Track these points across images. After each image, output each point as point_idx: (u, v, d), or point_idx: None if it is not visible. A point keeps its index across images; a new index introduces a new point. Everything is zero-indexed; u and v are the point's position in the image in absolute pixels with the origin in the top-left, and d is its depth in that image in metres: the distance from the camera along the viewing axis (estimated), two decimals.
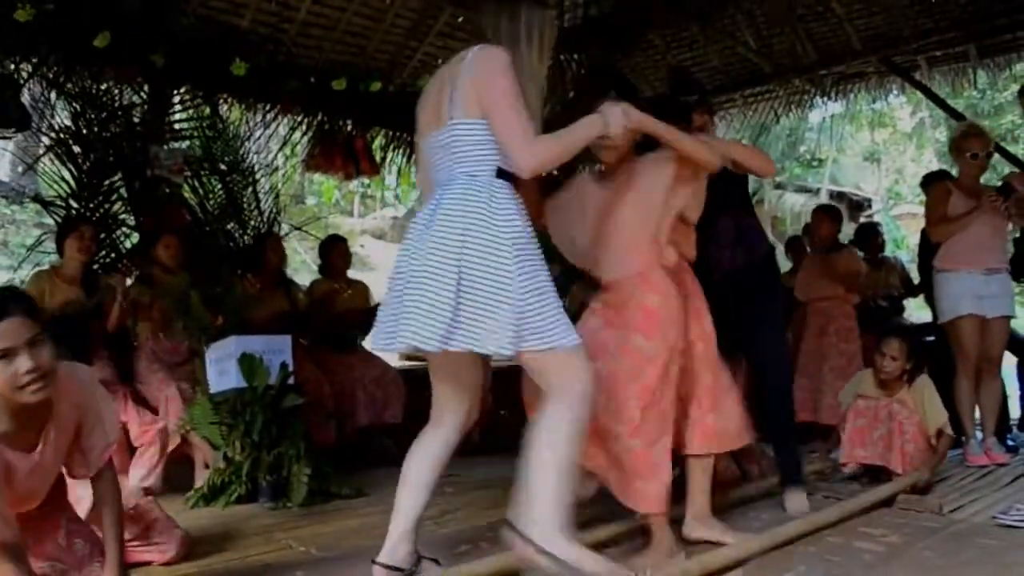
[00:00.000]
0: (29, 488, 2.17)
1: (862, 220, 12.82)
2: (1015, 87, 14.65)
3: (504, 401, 6.24)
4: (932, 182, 5.00)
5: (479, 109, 2.23)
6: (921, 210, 5.76)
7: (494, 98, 2.21)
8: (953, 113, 7.11)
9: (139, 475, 3.81)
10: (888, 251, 6.57)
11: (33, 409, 2.06)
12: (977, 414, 4.58)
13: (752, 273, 3.40)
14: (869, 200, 16.31)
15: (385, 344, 2.32)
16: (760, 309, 3.39)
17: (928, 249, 4.98)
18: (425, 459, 2.54)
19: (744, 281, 3.37)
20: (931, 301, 5.28)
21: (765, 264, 3.48)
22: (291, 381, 4.15)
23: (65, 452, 2.23)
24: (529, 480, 2.24)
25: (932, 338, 5.05)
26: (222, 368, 4.12)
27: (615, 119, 2.37)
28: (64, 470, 2.33)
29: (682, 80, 3.55)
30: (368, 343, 2.50)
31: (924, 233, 5.53)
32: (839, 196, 14.89)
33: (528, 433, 2.30)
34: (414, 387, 5.45)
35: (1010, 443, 4.86)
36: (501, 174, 2.28)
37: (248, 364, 4.01)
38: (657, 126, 2.56)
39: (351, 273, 5.78)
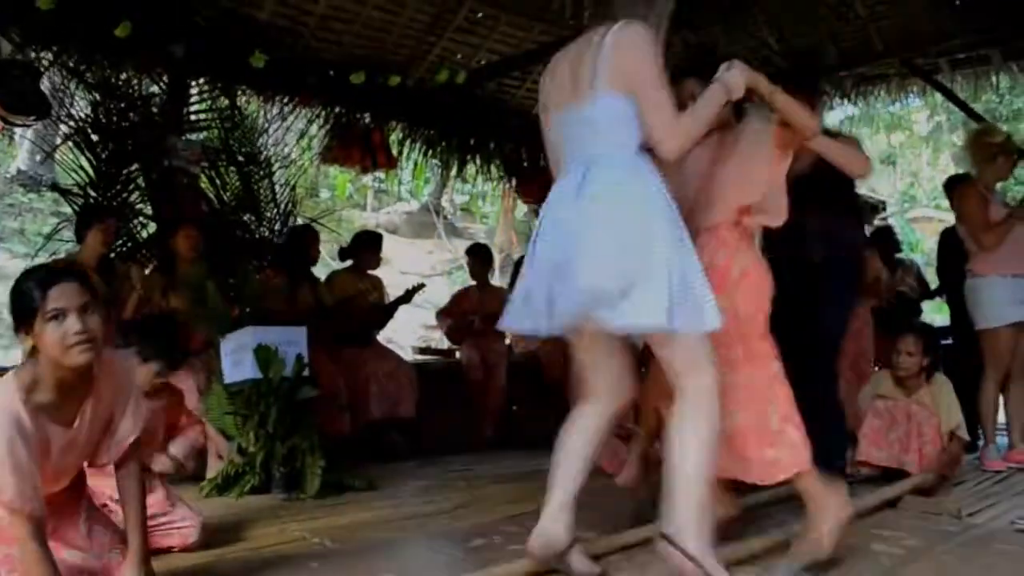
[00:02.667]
0: (61, 465, 2.19)
1: (876, 223, 12.76)
2: None
3: (517, 397, 6.26)
4: (957, 186, 4.91)
5: (626, 86, 2.25)
6: (936, 214, 5.75)
7: (643, 77, 2.23)
8: (975, 117, 7.07)
9: (181, 448, 3.72)
10: (903, 254, 6.53)
11: (75, 383, 2.11)
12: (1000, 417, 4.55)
13: (829, 267, 3.32)
14: (884, 203, 16.21)
15: (556, 320, 2.27)
16: (829, 292, 3.33)
17: (951, 253, 4.95)
18: (581, 435, 2.45)
19: (820, 275, 3.31)
20: (953, 305, 5.24)
21: (844, 260, 3.39)
22: (306, 373, 4.15)
23: (97, 434, 2.25)
24: (673, 490, 2.24)
25: (950, 341, 5.02)
26: (237, 359, 4.12)
27: (736, 84, 2.37)
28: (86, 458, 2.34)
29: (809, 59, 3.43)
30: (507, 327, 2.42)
31: (944, 237, 5.50)
32: None
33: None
34: (426, 382, 5.48)
35: None
36: (642, 149, 2.30)
37: (263, 355, 4.01)
38: (768, 86, 2.48)
39: None
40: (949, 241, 5.40)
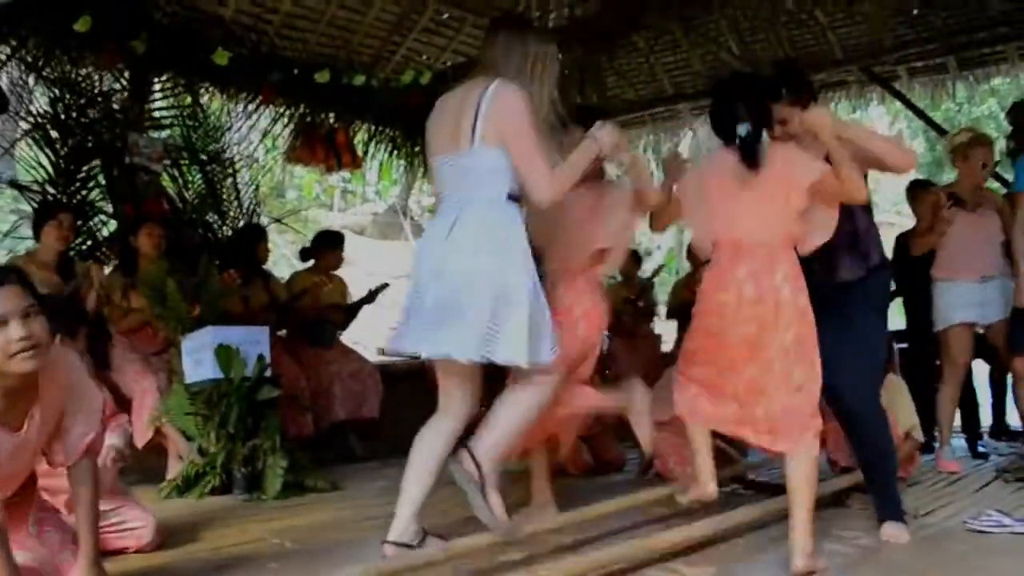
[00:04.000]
0: (11, 470, 2.15)
1: None
2: (992, 100, 14.90)
3: (482, 398, 6.25)
4: (915, 191, 5.03)
5: (500, 139, 2.50)
6: (897, 220, 5.82)
7: (516, 135, 2.49)
8: (932, 124, 7.20)
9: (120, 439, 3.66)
10: None
11: (20, 388, 2.06)
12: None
13: (861, 286, 3.08)
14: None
15: (420, 348, 2.60)
16: (858, 330, 3.05)
17: (904, 258, 5.02)
18: (432, 447, 2.74)
19: (850, 295, 3.07)
20: (909, 308, 5.33)
21: (876, 277, 3.14)
22: (268, 373, 4.13)
23: (48, 436, 2.21)
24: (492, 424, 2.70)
25: (905, 345, 5.10)
26: (198, 358, 4.09)
27: (607, 142, 2.68)
28: (43, 458, 2.30)
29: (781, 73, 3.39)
30: (386, 344, 2.74)
31: (898, 241, 5.59)
32: None
33: None
34: (391, 382, 5.46)
35: (981, 449, 4.93)
36: (510, 197, 2.57)
37: (224, 355, 3.98)
38: (630, 154, 2.98)
39: None
40: (904, 245, 5.50)
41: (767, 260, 2.63)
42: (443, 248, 2.53)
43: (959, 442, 4.87)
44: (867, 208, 3.14)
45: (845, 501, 3.59)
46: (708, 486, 2.84)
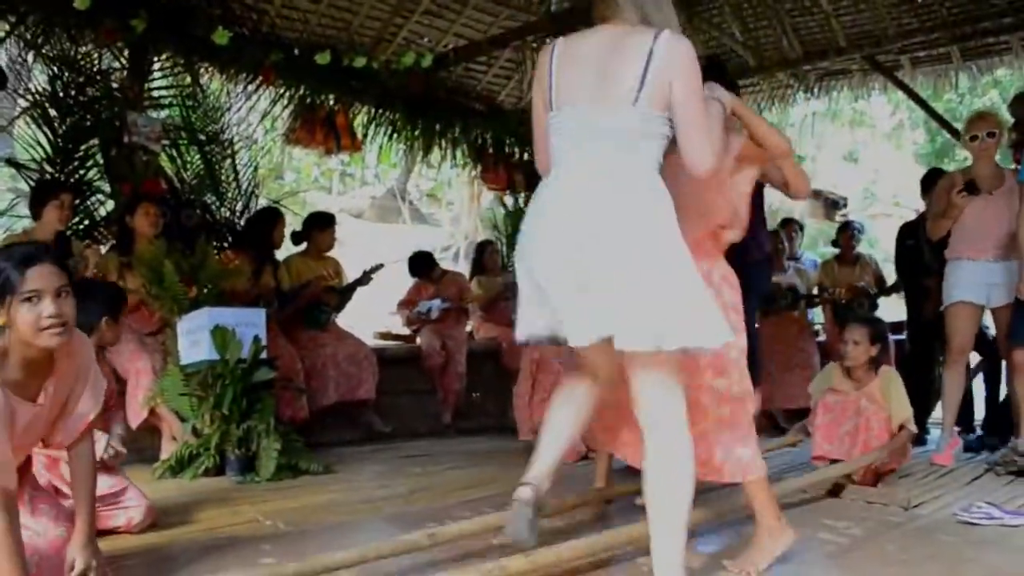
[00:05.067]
0: (25, 440, 2.19)
1: (837, 219, 12.94)
2: (994, 92, 14.86)
3: (476, 384, 6.28)
4: (933, 178, 5.02)
5: (668, 103, 2.15)
6: (896, 211, 5.80)
7: (688, 97, 2.15)
8: (933, 114, 7.18)
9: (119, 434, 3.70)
10: (863, 250, 6.61)
11: (40, 362, 2.12)
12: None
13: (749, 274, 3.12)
14: (845, 199, 16.45)
15: (575, 335, 2.15)
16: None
17: (907, 247, 5.03)
18: (572, 410, 2.38)
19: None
20: (909, 299, 5.35)
21: (754, 271, 3.33)
22: (263, 355, 4.13)
23: (56, 412, 2.25)
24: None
25: (903, 336, 5.11)
26: (194, 339, 4.09)
27: (729, 104, 2.42)
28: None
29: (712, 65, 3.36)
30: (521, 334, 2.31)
31: (902, 231, 5.61)
32: (815, 194, 15.01)
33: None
34: (386, 366, 5.49)
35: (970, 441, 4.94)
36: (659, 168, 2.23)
37: (220, 336, 3.98)
38: (742, 108, 2.56)
39: None
40: (906, 235, 5.52)
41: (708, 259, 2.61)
42: (589, 222, 2.11)
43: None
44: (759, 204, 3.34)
45: (840, 493, 3.60)
46: None
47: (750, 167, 2.73)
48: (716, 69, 3.04)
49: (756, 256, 3.44)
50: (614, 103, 2.15)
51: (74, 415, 2.29)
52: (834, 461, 3.93)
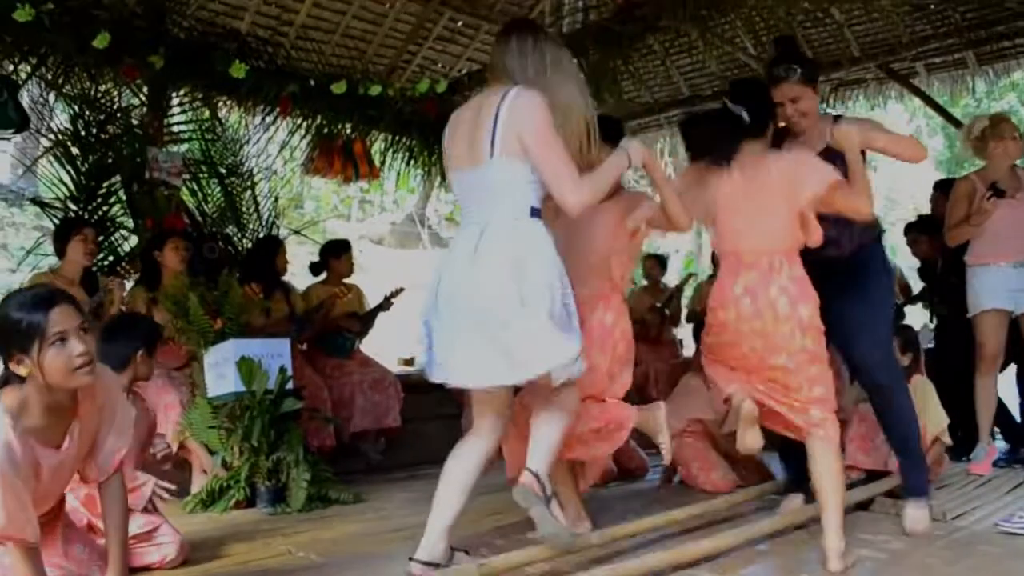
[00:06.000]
0: (50, 488, 2.17)
1: None
2: (1012, 95, 14.77)
3: None
4: (945, 186, 5.01)
5: (522, 148, 2.37)
6: (915, 219, 5.73)
7: (538, 141, 2.37)
8: (952, 120, 7.13)
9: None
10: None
11: (64, 405, 2.10)
12: None
13: (858, 259, 3.21)
14: None
15: (453, 378, 2.52)
16: (870, 297, 3.18)
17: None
18: (465, 466, 2.65)
19: (848, 268, 3.17)
20: (932, 308, 5.28)
21: (873, 250, 3.28)
22: (290, 385, 4.13)
23: (85, 452, 2.24)
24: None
25: (932, 345, 5.04)
26: (220, 372, 4.09)
27: (636, 156, 2.62)
28: (76, 474, 2.33)
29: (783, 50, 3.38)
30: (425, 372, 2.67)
31: (907, 233, 5.60)
32: None
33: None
34: (412, 392, 5.47)
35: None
36: (534, 212, 2.46)
37: (247, 368, 3.99)
38: (661, 172, 2.86)
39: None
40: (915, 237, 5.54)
41: (765, 272, 2.72)
42: (468, 271, 2.40)
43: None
44: None
45: (870, 506, 3.55)
46: None
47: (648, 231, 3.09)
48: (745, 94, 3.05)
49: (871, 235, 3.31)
50: (477, 160, 2.43)
51: (103, 451, 2.27)
52: (868, 471, 3.88)
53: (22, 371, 1.99)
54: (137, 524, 2.74)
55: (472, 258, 2.39)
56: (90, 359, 2.02)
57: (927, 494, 3.27)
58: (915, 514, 3.16)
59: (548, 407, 2.61)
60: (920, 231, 5.51)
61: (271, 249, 5.33)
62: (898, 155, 3.09)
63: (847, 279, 3.14)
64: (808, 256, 2.85)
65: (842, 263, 3.16)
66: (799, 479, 3.31)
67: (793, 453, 3.23)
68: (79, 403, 2.16)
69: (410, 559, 2.57)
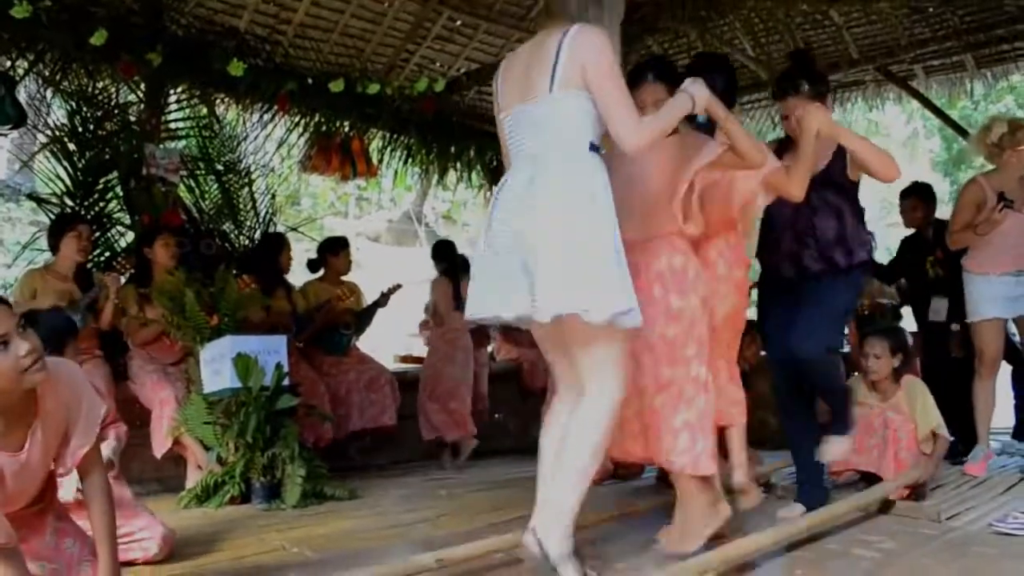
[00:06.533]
0: (17, 489, 2.13)
1: None
2: (1010, 98, 14.78)
3: (498, 405, 6.26)
4: (910, 196, 5.19)
5: (583, 82, 2.32)
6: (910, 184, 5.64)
7: (603, 74, 2.31)
8: (950, 122, 7.14)
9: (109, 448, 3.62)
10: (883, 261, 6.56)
11: (19, 407, 2.05)
12: None
13: (838, 279, 3.27)
14: (862, 211, 16.34)
15: (504, 311, 2.37)
16: (821, 312, 3.22)
17: (906, 259, 5.02)
18: (558, 431, 2.49)
19: (826, 286, 3.25)
20: (917, 311, 5.33)
21: (853, 275, 3.33)
22: (286, 382, 4.13)
23: (54, 451, 2.19)
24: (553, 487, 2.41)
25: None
26: (216, 368, 4.09)
27: (700, 98, 2.50)
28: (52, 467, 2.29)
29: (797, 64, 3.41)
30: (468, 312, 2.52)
31: (903, 245, 5.62)
32: None
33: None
34: (408, 389, 5.47)
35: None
36: (592, 148, 2.38)
37: (243, 364, 3.99)
38: (724, 112, 2.64)
39: None
40: (907, 247, 5.56)
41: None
42: (522, 206, 2.33)
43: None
44: (856, 210, 3.36)
45: (891, 510, 3.53)
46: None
47: (748, 175, 2.85)
48: (716, 66, 3.07)
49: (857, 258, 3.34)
50: (535, 95, 2.38)
51: (71, 446, 2.19)
52: (863, 473, 3.89)
53: None
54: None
55: (524, 196, 2.34)
56: (38, 356, 1.97)
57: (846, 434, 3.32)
58: (838, 443, 3.27)
59: (583, 403, 2.40)
60: (918, 197, 5.41)
61: (276, 246, 5.32)
62: (868, 162, 3.08)
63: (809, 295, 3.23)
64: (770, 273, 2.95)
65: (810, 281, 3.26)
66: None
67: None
68: (38, 402, 2.10)
69: (529, 527, 2.38)
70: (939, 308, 5.11)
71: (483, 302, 2.43)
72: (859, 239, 3.33)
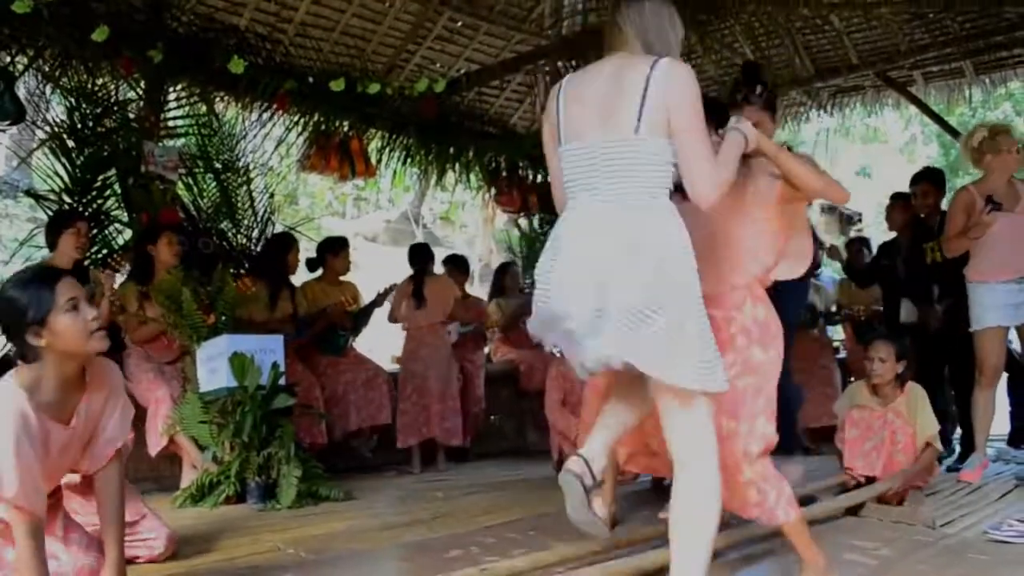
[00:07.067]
0: (57, 465, 2.21)
1: (852, 234, 12.86)
2: (1007, 104, 14.82)
3: (494, 407, 6.26)
4: (897, 202, 5.31)
5: (670, 128, 2.15)
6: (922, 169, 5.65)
7: (690, 123, 2.15)
8: (948, 128, 7.16)
9: None
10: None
11: (75, 381, 2.18)
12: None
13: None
14: (860, 215, 16.35)
15: (611, 354, 2.10)
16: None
17: (880, 268, 5.07)
18: (622, 415, 2.36)
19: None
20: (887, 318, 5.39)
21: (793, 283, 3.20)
22: (282, 382, 4.13)
23: (88, 436, 2.27)
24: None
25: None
26: (213, 367, 4.09)
27: (752, 138, 2.40)
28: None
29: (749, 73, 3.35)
30: (551, 347, 2.33)
31: (880, 251, 5.67)
32: (830, 210, 14.92)
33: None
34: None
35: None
36: (671, 195, 2.22)
37: (239, 364, 3.98)
38: (774, 146, 2.54)
39: None
40: (882, 255, 5.63)
41: None
42: (609, 251, 2.10)
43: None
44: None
45: (858, 512, 3.55)
46: None
47: (787, 208, 2.67)
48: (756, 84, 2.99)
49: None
50: (617, 134, 2.17)
51: (102, 440, 2.31)
52: (867, 477, 3.89)
53: (41, 343, 2.06)
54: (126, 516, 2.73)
55: (612, 235, 2.12)
56: (102, 324, 2.12)
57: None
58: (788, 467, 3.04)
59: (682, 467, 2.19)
60: (929, 182, 5.41)
61: (284, 246, 5.32)
62: (806, 185, 2.65)
63: None
64: None
65: None
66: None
67: None
68: (88, 384, 2.22)
69: (575, 455, 2.27)
70: (911, 309, 5.16)
71: (554, 335, 2.23)
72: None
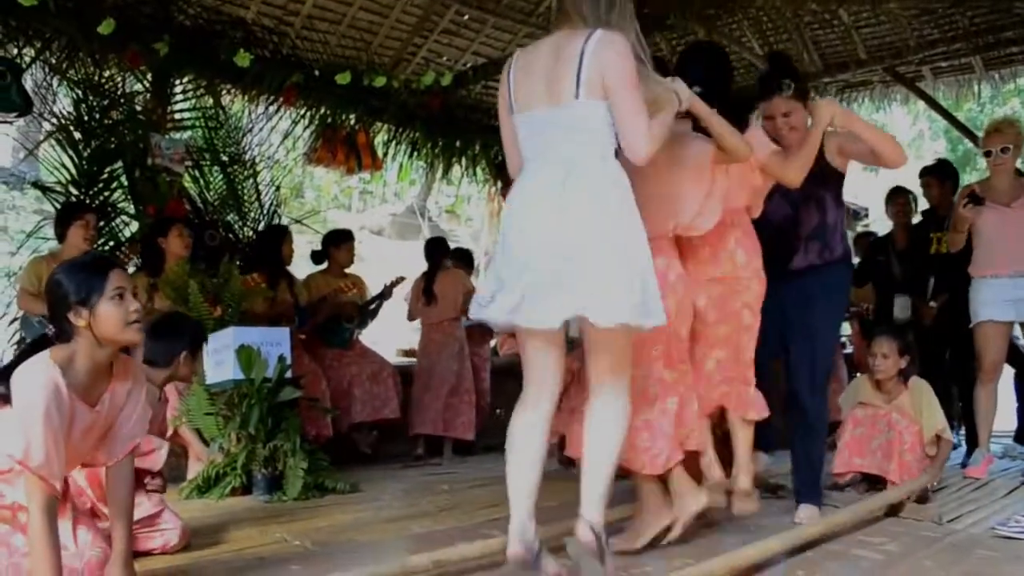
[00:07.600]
0: (79, 448, 2.24)
1: (859, 229, 12.83)
2: (1016, 100, 14.75)
3: (500, 400, 6.25)
4: (930, 173, 5.26)
5: (606, 92, 2.32)
6: (917, 220, 5.70)
7: (623, 86, 2.31)
8: (957, 124, 7.13)
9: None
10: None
11: (104, 369, 2.24)
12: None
13: (820, 275, 3.32)
14: (866, 209, 16.32)
15: (533, 319, 2.31)
16: (815, 317, 3.28)
17: (876, 264, 5.06)
18: (529, 439, 2.50)
19: (811, 283, 3.30)
20: (879, 313, 5.40)
21: (838, 269, 3.37)
22: (289, 374, 4.13)
23: (108, 426, 2.31)
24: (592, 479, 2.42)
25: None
26: (219, 359, 4.09)
27: (685, 97, 2.55)
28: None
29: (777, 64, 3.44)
30: (478, 313, 2.48)
31: (872, 248, 5.67)
32: None
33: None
34: (410, 384, 5.48)
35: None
36: (616, 154, 2.40)
37: (246, 356, 3.98)
38: (705, 109, 2.67)
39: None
40: (878, 251, 5.63)
41: None
42: (555, 212, 2.30)
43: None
44: (839, 203, 3.40)
45: (899, 512, 3.52)
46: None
47: (717, 172, 2.84)
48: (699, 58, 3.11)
49: (837, 254, 3.36)
50: (561, 100, 2.36)
51: (120, 436, 2.34)
52: (865, 475, 3.89)
53: (80, 323, 2.12)
54: (143, 509, 2.76)
55: (560, 197, 2.30)
56: (141, 318, 2.20)
57: (819, 502, 3.37)
58: (807, 513, 3.27)
59: (602, 402, 2.45)
60: (936, 175, 5.43)
61: (277, 237, 5.32)
62: (880, 148, 3.11)
63: (798, 293, 3.27)
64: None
65: (799, 276, 3.30)
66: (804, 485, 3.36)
67: None
68: (115, 375, 2.28)
69: (509, 551, 2.39)
70: (904, 305, 5.17)
71: (518, 311, 2.33)
72: (841, 233, 3.39)
